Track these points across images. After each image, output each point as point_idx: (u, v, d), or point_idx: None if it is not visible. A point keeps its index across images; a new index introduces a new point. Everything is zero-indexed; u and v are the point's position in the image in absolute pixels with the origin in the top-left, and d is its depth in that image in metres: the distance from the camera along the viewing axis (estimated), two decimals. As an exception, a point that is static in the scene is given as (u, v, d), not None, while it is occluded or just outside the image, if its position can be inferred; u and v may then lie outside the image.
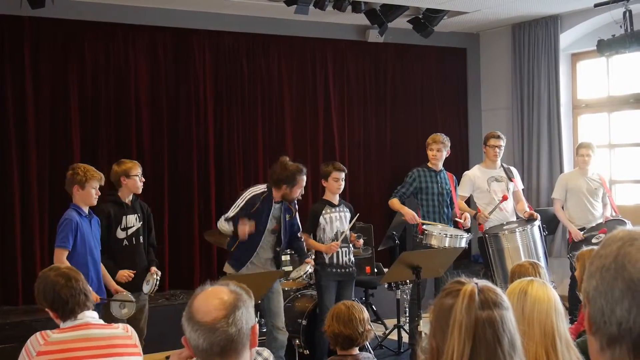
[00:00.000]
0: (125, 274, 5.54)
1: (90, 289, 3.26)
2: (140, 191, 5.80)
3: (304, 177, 5.87)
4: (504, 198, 6.90)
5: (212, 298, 2.08)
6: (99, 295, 5.08)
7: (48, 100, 7.72)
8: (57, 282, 3.15)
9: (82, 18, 7.81)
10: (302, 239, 6.20)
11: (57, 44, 7.78)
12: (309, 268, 6.03)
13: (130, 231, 5.74)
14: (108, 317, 5.22)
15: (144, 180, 5.82)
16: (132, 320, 5.52)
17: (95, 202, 5.36)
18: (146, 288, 5.73)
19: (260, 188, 5.95)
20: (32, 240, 7.54)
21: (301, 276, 6.17)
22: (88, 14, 7.80)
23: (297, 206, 6.14)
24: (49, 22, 7.62)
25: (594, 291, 1.22)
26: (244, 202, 5.84)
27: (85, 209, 5.31)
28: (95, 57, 7.96)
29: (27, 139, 7.57)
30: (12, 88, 7.52)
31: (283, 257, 6.44)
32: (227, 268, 6.05)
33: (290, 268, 6.52)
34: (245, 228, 5.69)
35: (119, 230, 5.69)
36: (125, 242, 5.70)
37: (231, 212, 5.85)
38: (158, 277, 5.77)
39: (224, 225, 5.87)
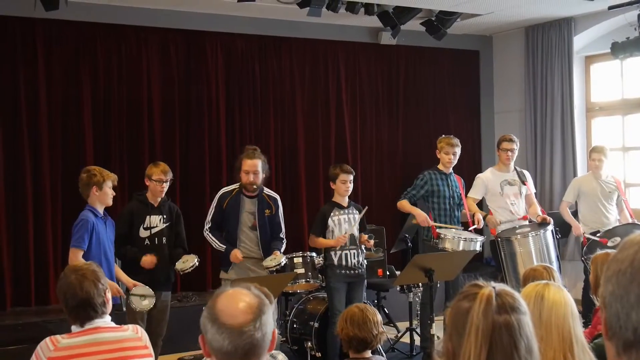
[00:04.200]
0: (149, 260, 5.64)
1: (109, 297, 3.22)
2: (161, 195, 5.89)
3: (250, 161, 5.94)
4: (524, 218, 6.88)
5: (238, 301, 2.05)
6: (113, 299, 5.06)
7: (60, 102, 7.75)
8: (69, 286, 3.08)
9: (95, 20, 7.83)
10: (284, 242, 6.21)
11: (70, 45, 7.80)
12: (283, 260, 5.97)
13: (153, 231, 5.83)
14: (134, 314, 5.36)
15: (164, 186, 5.85)
16: (154, 320, 5.60)
17: (111, 202, 5.42)
18: (180, 265, 5.81)
19: (231, 186, 6.18)
20: (45, 241, 7.56)
21: (275, 266, 5.92)
22: (100, 16, 7.82)
23: (279, 204, 6.19)
24: (61, 24, 7.64)
25: (610, 296, 1.21)
26: (216, 202, 6.12)
27: (101, 210, 5.36)
28: (107, 59, 7.98)
29: (39, 141, 7.60)
30: (25, 90, 7.54)
31: (295, 260, 6.41)
32: (222, 273, 6.18)
33: (302, 270, 6.48)
34: (237, 255, 5.90)
35: (141, 229, 5.79)
36: (147, 241, 5.79)
37: (208, 216, 6.12)
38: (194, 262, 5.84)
39: (208, 237, 6.08)
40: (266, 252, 6.02)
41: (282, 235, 6.21)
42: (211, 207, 6.15)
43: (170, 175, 5.91)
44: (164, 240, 5.88)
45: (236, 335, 2.00)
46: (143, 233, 5.79)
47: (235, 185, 6.14)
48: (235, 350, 2.00)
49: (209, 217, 6.10)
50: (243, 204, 6.04)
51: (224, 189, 6.21)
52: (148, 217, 5.82)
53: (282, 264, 5.98)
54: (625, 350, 1.18)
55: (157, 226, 5.85)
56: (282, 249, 6.13)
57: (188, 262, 5.83)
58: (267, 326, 2.04)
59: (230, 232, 6.02)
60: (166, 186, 5.88)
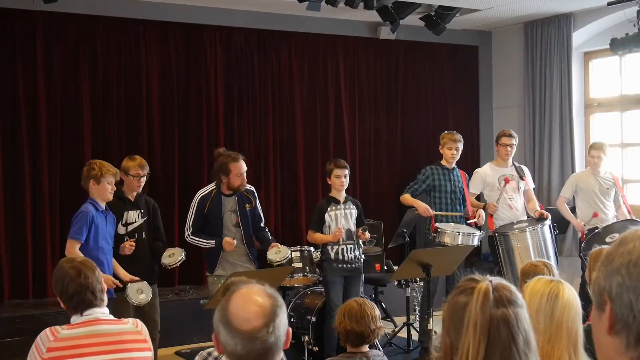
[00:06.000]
0: (127, 245, 5.56)
1: (105, 286, 3.22)
2: (138, 190, 5.77)
3: (239, 164, 5.93)
4: (506, 180, 6.89)
5: (250, 303, 1.98)
6: (108, 292, 5.04)
7: (59, 96, 7.73)
8: (67, 274, 3.12)
9: (94, 13, 7.82)
10: (267, 230, 6.26)
11: (69, 39, 7.78)
12: (288, 254, 5.98)
13: (131, 227, 5.74)
14: (125, 306, 5.26)
15: (142, 181, 5.73)
16: (147, 317, 5.54)
17: (111, 197, 5.37)
18: (168, 259, 5.71)
19: (208, 188, 6.11)
20: (43, 234, 7.55)
21: (281, 260, 5.93)
22: (100, 8, 7.81)
23: (256, 195, 6.22)
24: (60, 17, 7.62)
25: (618, 287, 1.20)
26: (195, 206, 6.01)
27: (102, 204, 5.33)
28: (106, 52, 7.96)
29: (38, 135, 7.58)
30: (23, 83, 7.52)
31: (293, 254, 6.39)
32: (209, 277, 6.16)
33: (300, 264, 6.47)
34: (229, 241, 5.86)
35: (119, 225, 5.68)
36: (127, 237, 5.68)
37: (189, 222, 6.01)
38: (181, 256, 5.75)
39: (193, 241, 6.01)
40: (250, 245, 6.07)
41: (263, 224, 6.26)
42: (190, 212, 6.02)
43: (147, 170, 5.77)
44: (144, 235, 5.78)
45: (249, 341, 1.95)
46: (121, 230, 5.68)
47: (211, 185, 6.09)
48: (248, 355, 1.97)
49: (189, 223, 5.99)
50: (225, 204, 6.02)
51: (201, 192, 6.08)
52: (126, 212, 5.71)
53: (289, 257, 5.96)
54: (639, 341, 1.18)
55: (135, 221, 5.75)
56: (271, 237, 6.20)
57: (175, 255, 5.71)
58: (280, 329, 1.99)
59: (214, 233, 5.96)
60: (143, 181, 5.75)
